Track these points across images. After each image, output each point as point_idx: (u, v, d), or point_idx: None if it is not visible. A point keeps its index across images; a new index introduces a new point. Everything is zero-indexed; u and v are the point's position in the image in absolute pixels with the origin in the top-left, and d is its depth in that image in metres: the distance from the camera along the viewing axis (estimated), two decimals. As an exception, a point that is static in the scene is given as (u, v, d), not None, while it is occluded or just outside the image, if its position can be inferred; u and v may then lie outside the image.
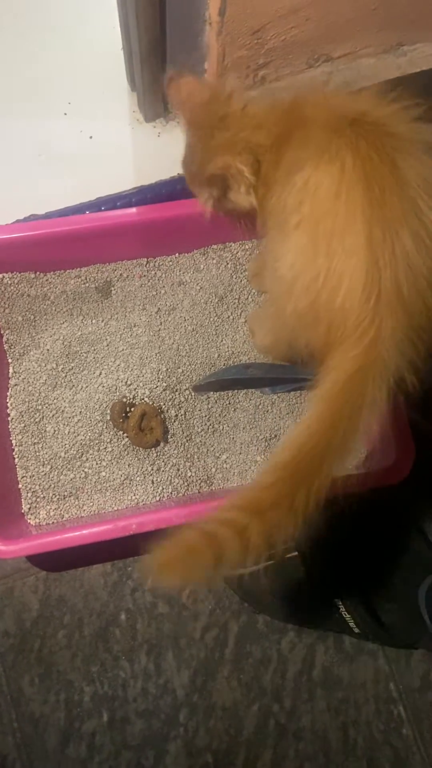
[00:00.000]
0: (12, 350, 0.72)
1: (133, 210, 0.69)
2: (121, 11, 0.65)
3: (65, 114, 0.75)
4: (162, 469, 0.70)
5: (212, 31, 0.61)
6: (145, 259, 0.75)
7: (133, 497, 0.69)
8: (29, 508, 0.68)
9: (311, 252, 0.46)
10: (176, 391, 0.72)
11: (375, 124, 0.47)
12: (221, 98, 0.54)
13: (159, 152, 0.73)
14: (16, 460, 0.69)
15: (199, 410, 0.72)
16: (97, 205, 0.71)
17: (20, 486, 0.69)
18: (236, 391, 0.73)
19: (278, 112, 0.52)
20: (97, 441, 0.70)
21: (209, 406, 0.72)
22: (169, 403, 0.72)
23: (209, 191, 0.56)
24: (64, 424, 0.70)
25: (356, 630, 0.67)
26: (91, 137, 0.75)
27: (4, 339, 0.72)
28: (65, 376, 0.71)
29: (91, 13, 0.77)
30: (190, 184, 0.60)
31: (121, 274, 0.75)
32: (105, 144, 0.74)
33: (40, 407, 0.70)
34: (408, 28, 0.71)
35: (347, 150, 0.45)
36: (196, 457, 0.71)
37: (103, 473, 0.69)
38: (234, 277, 0.76)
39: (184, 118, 0.57)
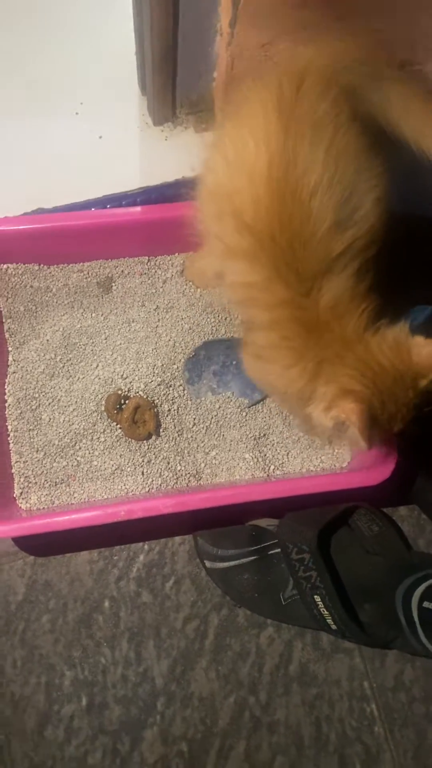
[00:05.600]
0: (12, 339, 0.74)
1: (138, 209, 0.71)
2: (136, 18, 0.67)
3: (77, 113, 0.78)
4: (152, 461, 0.72)
5: (222, 42, 0.64)
6: (147, 258, 0.77)
7: (123, 487, 0.71)
8: (21, 493, 0.70)
9: None
10: (170, 386, 0.74)
11: None
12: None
13: (165, 155, 0.76)
14: (11, 445, 0.71)
15: (192, 406, 0.74)
16: (103, 202, 0.74)
17: (13, 471, 0.71)
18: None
19: None
20: (90, 431, 0.72)
21: (201, 403, 0.74)
22: (163, 398, 0.74)
23: None
24: (60, 413, 0.72)
25: (333, 627, 0.69)
26: (100, 137, 0.77)
27: (6, 327, 0.74)
28: (63, 366, 0.73)
29: (108, 18, 0.79)
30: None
31: (122, 271, 0.77)
32: (114, 144, 0.77)
33: (37, 395, 0.72)
34: (413, 48, 0.74)
35: None
36: (186, 451, 0.73)
37: (95, 462, 0.71)
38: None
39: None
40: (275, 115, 0.50)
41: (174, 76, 0.70)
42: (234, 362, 0.75)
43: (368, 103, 0.58)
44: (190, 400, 0.74)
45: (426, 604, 0.70)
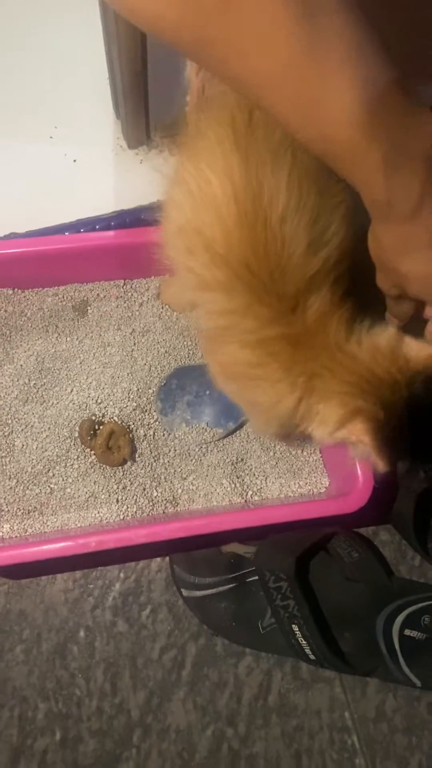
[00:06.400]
0: (-14, 364, 0.73)
1: (111, 233, 0.71)
2: (105, 46, 0.67)
3: (51, 137, 0.78)
4: (128, 488, 0.71)
5: (193, 68, 0.64)
6: (122, 281, 0.76)
7: (97, 515, 0.70)
8: (-7, 521, 0.69)
9: None
10: (146, 411, 0.73)
11: None
12: None
13: (140, 178, 0.76)
14: (-16, 473, 0.70)
15: (168, 431, 0.73)
16: (77, 226, 0.73)
17: (-14, 499, 0.70)
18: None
19: None
20: (64, 457, 0.71)
21: (177, 428, 0.73)
22: (138, 423, 0.73)
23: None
24: (33, 439, 0.71)
25: (312, 657, 0.68)
26: (75, 161, 0.77)
27: (-21, 353, 0.73)
28: (37, 391, 0.73)
29: (81, 42, 0.80)
30: None
31: (98, 294, 0.76)
32: (88, 168, 0.77)
33: (9, 421, 0.71)
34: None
35: None
36: (162, 477, 0.72)
37: (69, 489, 0.70)
38: (208, 302, 0.77)
39: None
40: (233, 147, 0.49)
41: (146, 101, 0.70)
42: (208, 391, 0.74)
43: None
44: (164, 432, 0.73)
45: (407, 631, 0.69)
